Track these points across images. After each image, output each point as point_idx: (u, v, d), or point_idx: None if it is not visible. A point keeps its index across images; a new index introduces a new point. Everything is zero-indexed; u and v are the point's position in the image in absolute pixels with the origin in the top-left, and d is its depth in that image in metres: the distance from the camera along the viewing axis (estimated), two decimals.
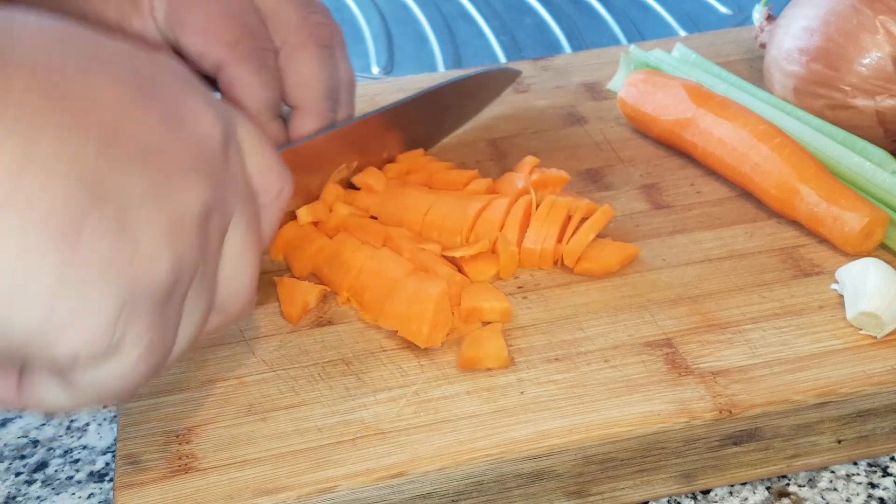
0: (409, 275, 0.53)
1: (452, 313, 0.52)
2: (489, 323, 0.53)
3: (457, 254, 0.55)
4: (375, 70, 0.88)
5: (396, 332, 0.52)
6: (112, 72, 0.34)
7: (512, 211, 0.57)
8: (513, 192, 0.60)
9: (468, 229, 0.57)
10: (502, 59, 0.89)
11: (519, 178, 0.61)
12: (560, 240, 0.57)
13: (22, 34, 0.32)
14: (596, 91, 0.75)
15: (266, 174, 0.40)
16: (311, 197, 0.60)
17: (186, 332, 0.36)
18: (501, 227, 0.57)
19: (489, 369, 0.50)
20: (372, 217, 0.60)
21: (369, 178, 0.61)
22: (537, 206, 0.58)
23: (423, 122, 0.66)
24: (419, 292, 0.51)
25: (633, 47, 0.73)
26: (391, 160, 0.64)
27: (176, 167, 0.34)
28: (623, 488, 0.48)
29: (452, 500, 0.46)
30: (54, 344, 0.31)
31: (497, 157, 0.68)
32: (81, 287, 0.31)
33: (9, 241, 0.29)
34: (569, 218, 0.58)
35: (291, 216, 0.59)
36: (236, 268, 0.38)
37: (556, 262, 0.57)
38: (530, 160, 0.63)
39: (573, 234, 0.57)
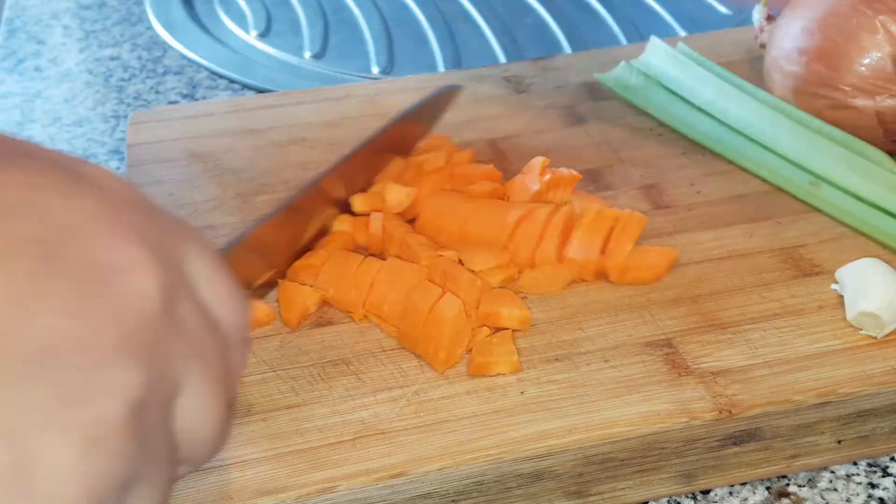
0: (423, 283, 0.52)
1: (468, 314, 0.51)
2: (500, 329, 0.52)
3: (476, 267, 0.54)
4: (375, 70, 0.88)
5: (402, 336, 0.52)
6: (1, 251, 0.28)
7: (553, 220, 0.56)
8: (526, 194, 0.59)
9: (507, 238, 0.56)
10: (502, 59, 0.89)
11: (532, 181, 0.60)
12: (603, 251, 0.55)
13: None
14: (596, 91, 0.75)
15: (223, 304, 0.34)
16: (281, 272, 0.56)
17: None
18: (541, 238, 0.55)
19: (500, 374, 0.50)
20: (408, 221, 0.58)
21: (390, 193, 0.59)
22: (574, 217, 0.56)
23: (370, 168, 0.61)
24: (435, 313, 0.50)
25: (649, 46, 0.73)
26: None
27: (95, 355, 0.28)
28: (623, 488, 0.48)
29: (452, 500, 0.46)
30: None
31: (497, 157, 0.68)
32: None
33: None
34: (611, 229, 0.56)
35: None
36: (196, 423, 0.33)
37: (596, 274, 0.56)
38: (540, 161, 0.61)
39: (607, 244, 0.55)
